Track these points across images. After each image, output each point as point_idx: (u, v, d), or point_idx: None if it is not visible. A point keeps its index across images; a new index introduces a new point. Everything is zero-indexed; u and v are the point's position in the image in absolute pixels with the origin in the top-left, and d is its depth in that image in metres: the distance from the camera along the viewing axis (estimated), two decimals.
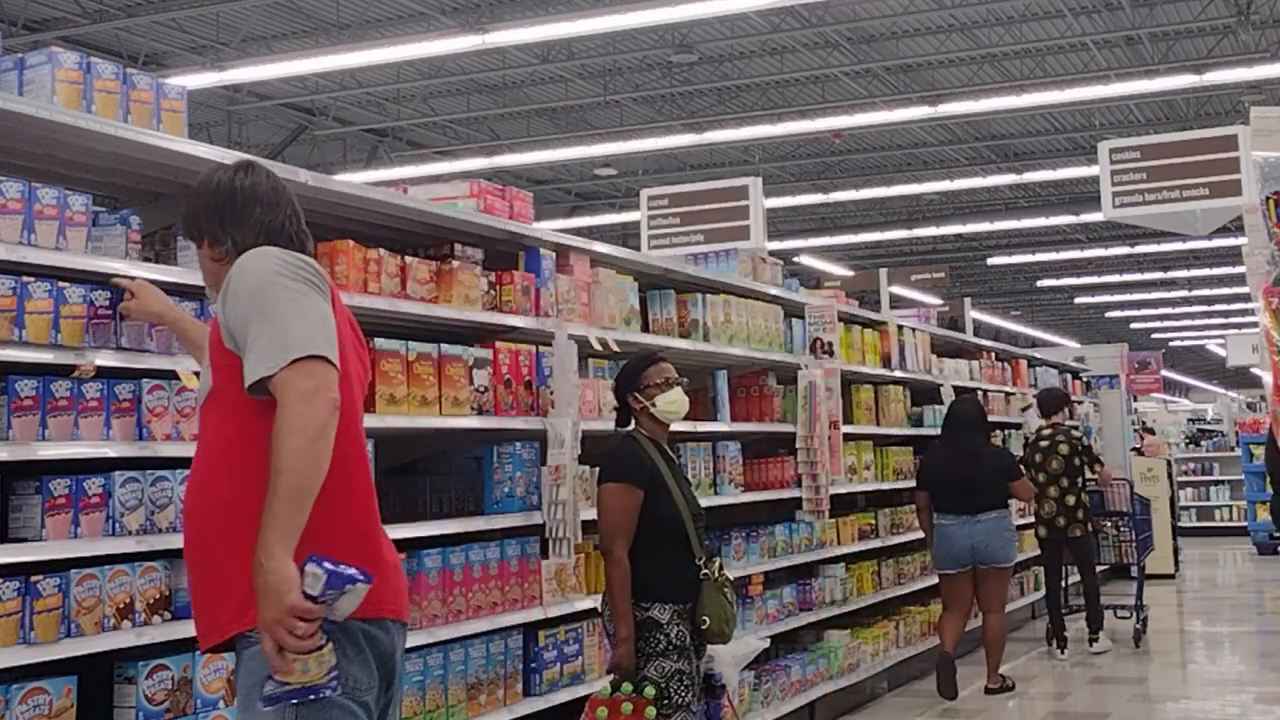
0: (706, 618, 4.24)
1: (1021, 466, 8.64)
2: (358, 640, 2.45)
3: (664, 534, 4.30)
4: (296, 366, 2.37)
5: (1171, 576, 14.25)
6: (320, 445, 2.32)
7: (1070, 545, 9.34)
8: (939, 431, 8.34)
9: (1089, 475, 9.54)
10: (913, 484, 8.26)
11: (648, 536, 4.29)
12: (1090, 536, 9.49)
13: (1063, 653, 9.32)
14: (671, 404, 4.45)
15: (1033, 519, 9.63)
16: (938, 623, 8.17)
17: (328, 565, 2.29)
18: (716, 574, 4.31)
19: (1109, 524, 10.14)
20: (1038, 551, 9.87)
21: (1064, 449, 9.31)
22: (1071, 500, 9.25)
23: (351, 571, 2.31)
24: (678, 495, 4.36)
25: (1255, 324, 6.48)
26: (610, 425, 5.32)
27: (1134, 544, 10.16)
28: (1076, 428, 11.77)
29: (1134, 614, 9.90)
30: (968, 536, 7.70)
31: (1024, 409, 11.94)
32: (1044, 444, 9.41)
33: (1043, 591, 10.17)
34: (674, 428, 4.65)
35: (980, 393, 10.64)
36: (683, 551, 4.31)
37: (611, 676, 4.26)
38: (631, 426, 4.53)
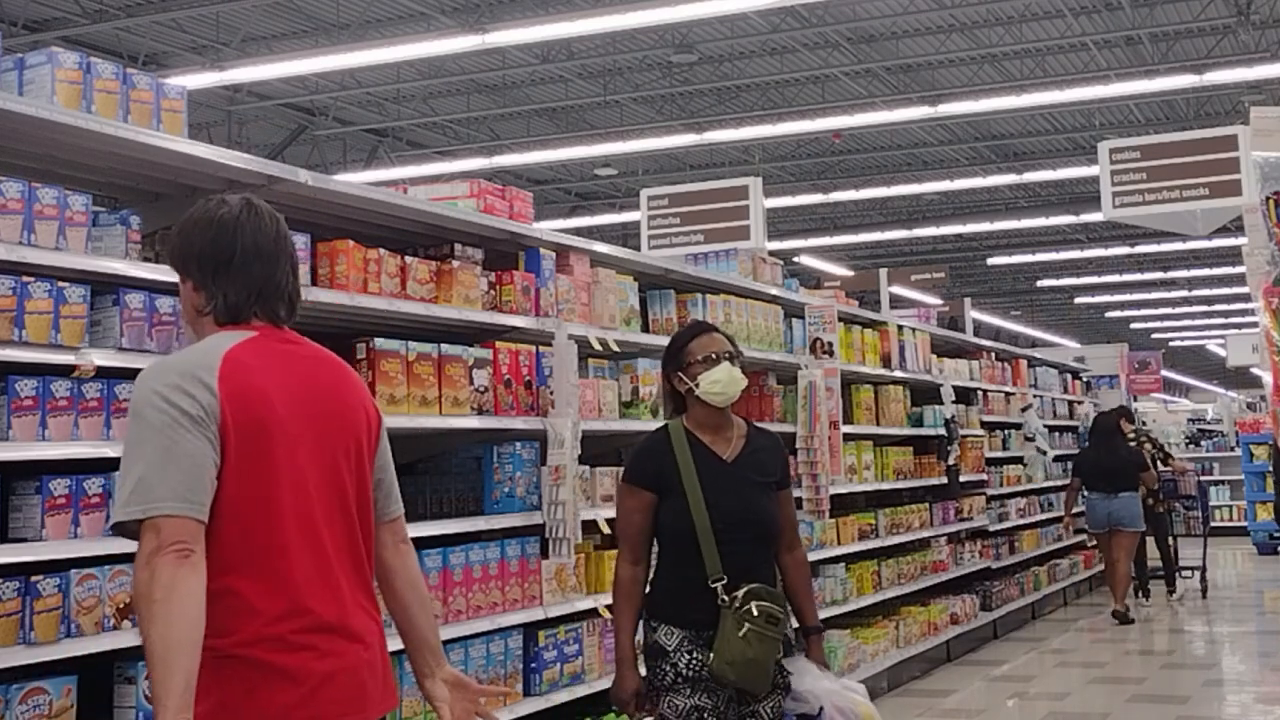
0: (713, 654, 3.48)
1: (1148, 461, 11.69)
2: None
3: (671, 547, 3.66)
4: (141, 525, 2.24)
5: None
6: (171, 603, 2.20)
7: (1154, 520, 12.08)
8: (1088, 436, 11.69)
9: (1163, 467, 12.53)
10: (912, 484, 9.08)
11: (662, 547, 3.70)
12: (1168, 513, 12.55)
13: (1147, 600, 12.15)
14: (715, 384, 3.64)
15: None
16: (1105, 575, 11.63)
17: None
18: (738, 604, 3.48)
19: (1179, 504, 12.95)
20: None
21: (1149, 446, 12.32)
22: (1156, 485, 12.14)
23: None
24: (696, 502, 3.55)
25: (1255, 324, 6.47)
26: (611, 425, 5.33)
27: (1200, 519, 13.03)
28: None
29: (1197, 574, 12.73)
30: (1106, 507, 10.97)
31: (1024, 409, 11.98)
32: (1132, 443, 12.01)
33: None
34: None
35: (980, 393, 10.76)
36: (692, 569, 3.55)
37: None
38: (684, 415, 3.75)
